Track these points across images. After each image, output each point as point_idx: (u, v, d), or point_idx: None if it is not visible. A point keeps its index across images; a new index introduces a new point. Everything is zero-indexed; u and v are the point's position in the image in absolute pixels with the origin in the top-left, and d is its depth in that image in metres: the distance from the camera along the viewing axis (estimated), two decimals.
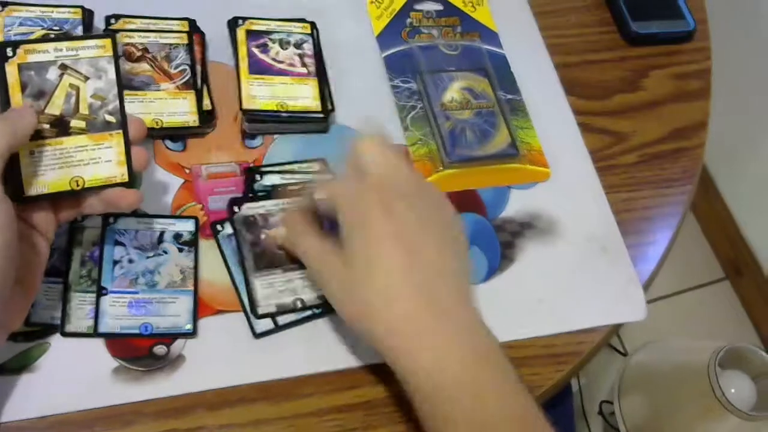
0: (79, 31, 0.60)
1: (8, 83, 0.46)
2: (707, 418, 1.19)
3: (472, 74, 0.70)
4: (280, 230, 0.57)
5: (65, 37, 0.48)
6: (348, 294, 0.48)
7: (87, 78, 0.48)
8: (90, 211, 0.50)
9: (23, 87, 0.47)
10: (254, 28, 0.65)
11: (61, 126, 0.48)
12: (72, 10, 0.61)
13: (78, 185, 0.48)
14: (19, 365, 0.51)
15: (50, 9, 0.60)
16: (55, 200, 0.49)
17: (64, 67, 0.48)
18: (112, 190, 0.49)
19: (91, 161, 0.48)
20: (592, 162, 0.68)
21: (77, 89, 0.48)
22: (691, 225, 1.79)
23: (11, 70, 0.46)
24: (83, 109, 0.48)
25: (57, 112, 0.48)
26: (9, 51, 0.46)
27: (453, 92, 0.69)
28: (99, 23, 0.62)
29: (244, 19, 0.65)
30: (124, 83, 0.55)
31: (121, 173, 0.49)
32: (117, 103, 0.49)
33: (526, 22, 0.76)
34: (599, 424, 1.49)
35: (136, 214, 0.56)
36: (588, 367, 0.61)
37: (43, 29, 0.59)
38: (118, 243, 0.55)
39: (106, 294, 0.53)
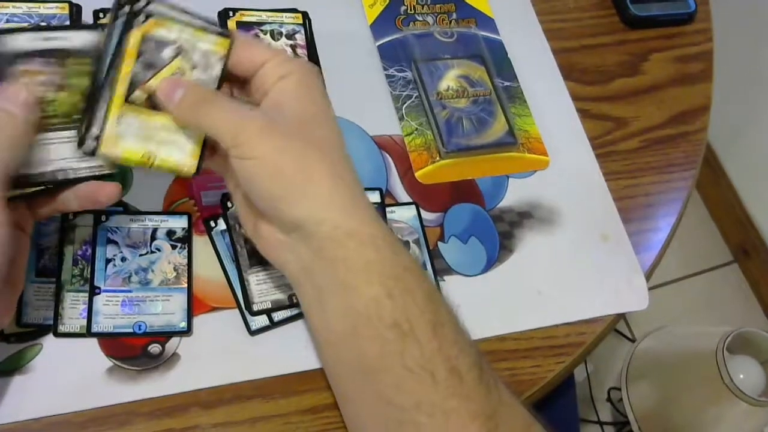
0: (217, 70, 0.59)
1: (126, 47, 0.46)
2: (716, 403, 1.18)
3: (469, 61, 0.69)
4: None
5: (193, 23, 0.48)
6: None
7: (195, 67, 0.48)
8: (64, 207, 0.49)
9: (139, 54, 0.47)
10: (245, 19, 0.64)
11: (153, 102, 0.48)
12: (59, 5, 0.60)
13: (149, 161, 0.47)
14: (12, 367, 0.50)
15: (37, 5, 0.59)
16: (30, 197, 0.48)
17: (180, 50, 0.48)
18: (88, 184, 0.48)
19: (169, 143, 0.48)
20: (591, 149, 0.67)
21: (183, 74, 0.48)
22: (698, 208, 1.78)
23: (135, 35, 0.47)
24: None
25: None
26: (141, 17, 0.47)
27: (449, 80, 0.68)
28: (87, 17, 0.61)
29: (235, 10, 0.64)
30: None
31: (190, 164, 0.48)
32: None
33: (522, 7, 0.74)
34: (608, 411, 1.49)
35: (128, 211, 0.56)
36: (596, 353, 0.60)
37: (30, 25, 0.58)
38: (110, 241, 0.54)
39: (98, 293, 0.53)
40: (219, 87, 0.48)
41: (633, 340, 1.52)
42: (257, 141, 0.44)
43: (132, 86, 0.47)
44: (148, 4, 0.47)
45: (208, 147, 0.48)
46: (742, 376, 1.17)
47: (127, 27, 0.47)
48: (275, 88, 0.47)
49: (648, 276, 0.63)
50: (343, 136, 0.48)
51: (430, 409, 0.43)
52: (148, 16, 0.47)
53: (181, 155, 0.48)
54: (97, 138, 0.46)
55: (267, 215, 0.47)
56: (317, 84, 0.49)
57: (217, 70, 0.48)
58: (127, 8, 0.47)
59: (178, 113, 0.47)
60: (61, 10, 0.60)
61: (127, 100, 0.47)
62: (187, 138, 0.48)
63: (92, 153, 0.46)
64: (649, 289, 0.62)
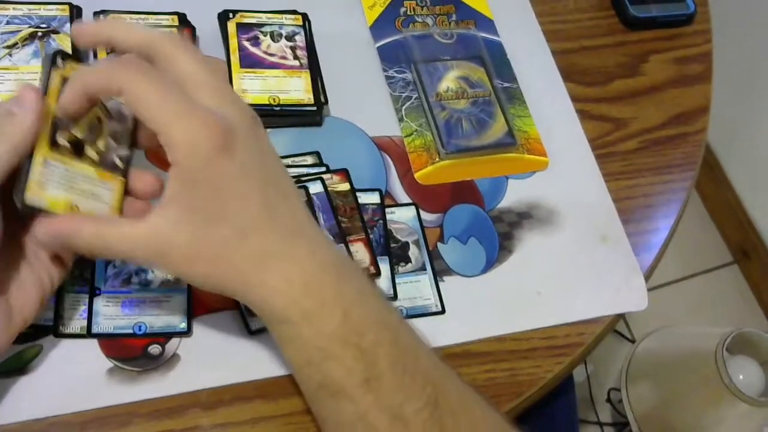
0: (67, 28, 0.59)
1: (50, 87, 0.45)
2: (716, 404, 1.18)
3: (468, 63, 0.69)
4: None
5: None
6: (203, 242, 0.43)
7: (111, 117, 0.47)
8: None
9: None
10: (245, 21, 0.64)
11: (77, 148, 0.46)
12: (59, 6, 0.60)
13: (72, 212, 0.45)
14: (13, 367, 0.50)
15: (37, 6, 0.60)
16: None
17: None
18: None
19: (90, 194, 0.46)
20: (591, 149, 0.68)
21: (100, 122, 0.46)
22: (698, 209, 1.78)
23: (56, 76, 0.45)
24: (100, 144, 0.47)
25: (80, 136, 0.46)
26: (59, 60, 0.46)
27: (448, 81, 0.68)
28: (88, 18, 0.61)
29: (235, 12, 0.64)
30: None
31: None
32: (128, 152, 0.48)
33: (522, 8, 0.75)
34: (607, 412, 1.49)
35: None
36: (595, 354, 0.60)
37: (30, 27, 0.59)
38: None
39: (99, 294, 0.53)
40: (133, 141, 0.48)
41: (633, 341, 1.52)
42: (182, 263, 0.43)
43: (55, 129, 0.44)
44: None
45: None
46: (741, 376, 1.18)
47: (52, 66, 0.45)
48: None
49: (647, 277, 0.63)
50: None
51: None
52: (64, 57, 0.46)
53: (103, 208, 0.46)
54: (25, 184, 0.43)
55: None
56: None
57: (130, 122, 0.47)
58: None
59: (87, 250, 0.44)
60: (61, 11, 0.60)
61: (53, 143, 0.44)
62: (106, 190, 0.46)
63: (21, 201, 0.43)
64: (649, 289, 0.62)
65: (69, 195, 0.45)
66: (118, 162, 0.47)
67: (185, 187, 0.42)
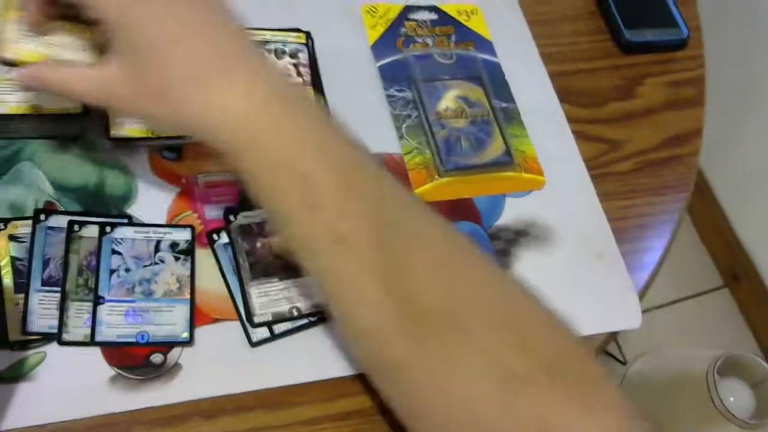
0: None
1: None
2: (706, 426, 1.19)
3: (467, 83, 0.71)
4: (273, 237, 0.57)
5: None
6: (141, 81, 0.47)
7: None
8: None
9: None
10: None
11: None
12: None
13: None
14: (16, 374, 0.51)
15: None
16: None
17: None
18: None
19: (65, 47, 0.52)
20: (586, 170, 0.69)
21: None
22: (688, 233, 1.79)
23: None
24: None
25: None
26: None
27: (448, 101, 0.69)
28: None
29: None
30: None
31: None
32: None
33: (520, 31, 0.76)
34: None
35: (133, 223, 0.57)
36: None
37: None
38: (114, 252, 0.55)
39: (102, 303, 0.53)
40: None
41: (624, 363, 1.53)
42: (128, 101, 0.49)
43: None
44: None
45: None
46: (732, 399, 1.18)
47: None
48: None
49: (641, 295, 0.64)
50: None
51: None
52: None
53: (79, 54, 0.51)
54: None
55: None
56: None
57: None
58: None
59: (57, 91, 0.50)
60: None
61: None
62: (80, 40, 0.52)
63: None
64: (641, 312, 0.63)
65: (41, 48, 0.51)
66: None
67: (118, 34, 0.47)
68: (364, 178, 0.48)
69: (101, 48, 0.50)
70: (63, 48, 0.51)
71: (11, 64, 0.51)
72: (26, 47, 0.50)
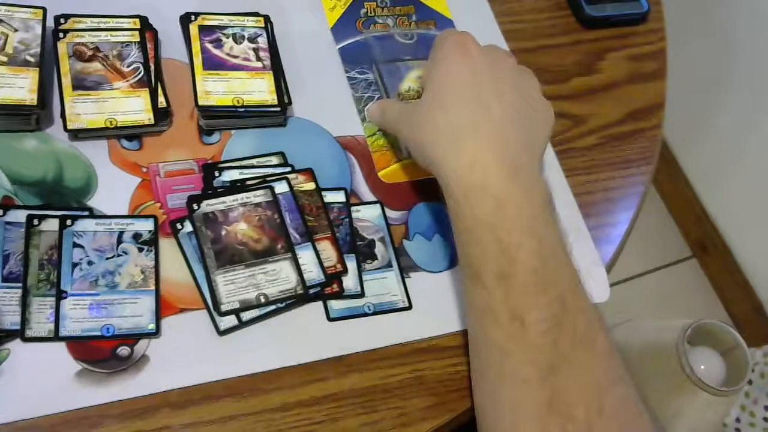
0: (38, 31, 0.59)
1: None
2: (678, 395, 1.21)
3: None
4: (241, 225, 0.56)
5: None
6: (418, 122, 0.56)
7: (16, 30, 0.58)
8: None
9: None
10: (207, 23, 0.64)
11: None
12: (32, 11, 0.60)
13: None
14: None
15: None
16: None
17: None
18: None
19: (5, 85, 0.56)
20: (551, 146, 0.69)
21: (6, 36, 0.58)
22: (656, 205, 1.81)
23: None
24: (8, 49, 0.58)
25: None
26: None
27: (410, 81, 0.69)
28: (48, 23, 0.61)
29: (197, 14, 0.64)
30: (76, 83, 0.58)
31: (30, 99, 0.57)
32: (39, 49, 0.58)
33: (481, 9, 0.76)
34: None
35: (94, 215, 0.56)
36: None
37: None
38: (76, 245, 0.54)
39: (66, 297, 0.53)
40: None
41: None
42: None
43: None
44: None
45: None
46: (702, 367, 1.20)
47: None
48: None
49: (608, 268, 0.65)
50: None
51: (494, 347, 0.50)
52: None
53: (20, 92, 0.56)
54: None
55: None
56: None
57: (38, 30, 0.59)
58: None
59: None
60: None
61: None
62: (21, 79, 0.57)
63: None
64: (610, 285, 0.64)
65: None
66: (30, 59, 0.58)
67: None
68: (562, 279, 0.51)
69: None
70: (8, 87, 0.57)
71: None
72: None
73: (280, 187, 0.59)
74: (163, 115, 0.61)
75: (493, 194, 0.50)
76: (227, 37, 0.64)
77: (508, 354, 0.49)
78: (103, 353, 0.52)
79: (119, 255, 0.55)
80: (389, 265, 0.60)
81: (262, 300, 0.55)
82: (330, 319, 0.57)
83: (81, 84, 0.59)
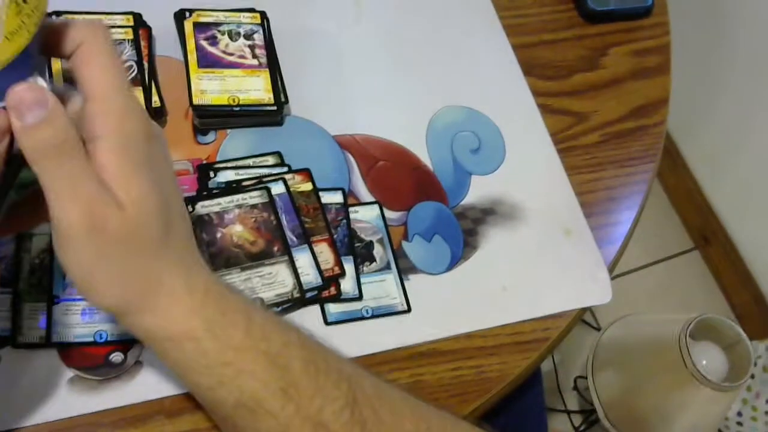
0: None
1: None
2: (680, 389, 1.20)
3: None
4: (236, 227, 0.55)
5: None
6: None
7: None
8: None
9: None
10: (202, 20, 0.63)
11: None
12: None
13: None
14: None
15: None
16: None
17: None
18: None
19: None
20: (552, 144, 0.68)
21: None
22: (659, 197, 1.80)
23: None
24: None
25: None
26: None
27: None
28: None
29: (191, 11, 0.63)
30: (69, 82, 0.56)
31: None
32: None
33: (482, 3, 0.74)
34: (575, 400, 1.50)
35: None
36: (562, 343, 0.61)
37: None
38: None
39: (58, 302, 0.52)
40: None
41: (598, 329, 1.54)
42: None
43: None
44: None
45: None
46: (704, 361, 1.19)
47: None
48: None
49: (611, 269, 0.64)
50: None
51: None
52: None
53: None
54: None
55: None
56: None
57: None
58: None
59: (23, 141, 0.38)
60: None
61: None
62: None
63: None
64: (613, 278, 0.63)
65: None
66: None
67: None
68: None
69: None
70: None
71: None
72: None
73: (277, 188, 0.58)
74: (157, 114, 0.60)
75: (236, 312, 0.43)
76: (222, 34, 0.63)
77: None
78: (95, 360, 0.51)
79: None
80: (388, 268, 0.59)
81: (258, 304, 0.54)
82: (327, 323, 0.56)
83: (73, 83, 0.57)
